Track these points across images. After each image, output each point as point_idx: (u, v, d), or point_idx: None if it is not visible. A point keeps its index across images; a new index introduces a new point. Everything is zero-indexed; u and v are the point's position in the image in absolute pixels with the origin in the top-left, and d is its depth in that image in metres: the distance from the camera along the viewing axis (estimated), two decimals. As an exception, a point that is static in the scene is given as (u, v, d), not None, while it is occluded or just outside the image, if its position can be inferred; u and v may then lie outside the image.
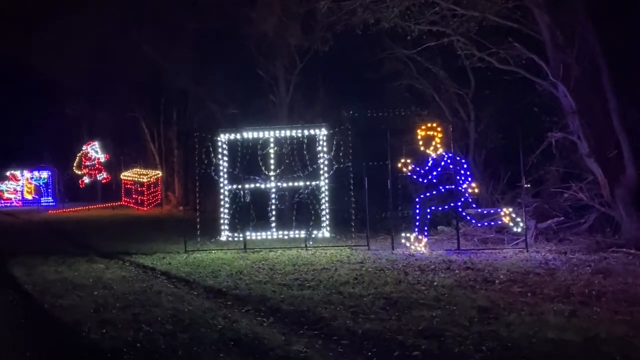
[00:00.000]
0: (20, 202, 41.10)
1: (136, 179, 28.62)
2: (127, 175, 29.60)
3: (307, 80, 17.37)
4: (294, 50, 16.32)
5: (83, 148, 32.52)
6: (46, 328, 5.63)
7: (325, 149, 11.59)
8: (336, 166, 11.44)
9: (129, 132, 33.27)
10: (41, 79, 30.93)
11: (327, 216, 12.09)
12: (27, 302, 6.68)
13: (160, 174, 29.74)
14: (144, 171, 29.54)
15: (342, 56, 16.61)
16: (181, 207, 28.46)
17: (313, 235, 11.93)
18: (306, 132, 11.49)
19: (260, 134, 11.57)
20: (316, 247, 11.36)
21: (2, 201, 42.71)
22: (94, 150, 31.39)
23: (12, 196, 42.64)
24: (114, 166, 33.20)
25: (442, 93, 16.83)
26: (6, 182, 43.04)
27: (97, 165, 32.51)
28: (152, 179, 28.90)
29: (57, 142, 40.91)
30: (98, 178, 32.95)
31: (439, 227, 13.27)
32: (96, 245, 12.99)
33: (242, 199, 11.57)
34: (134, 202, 28.86)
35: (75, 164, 32.35)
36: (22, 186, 41.50)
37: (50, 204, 38.16)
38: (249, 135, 11.37)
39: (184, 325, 5.55)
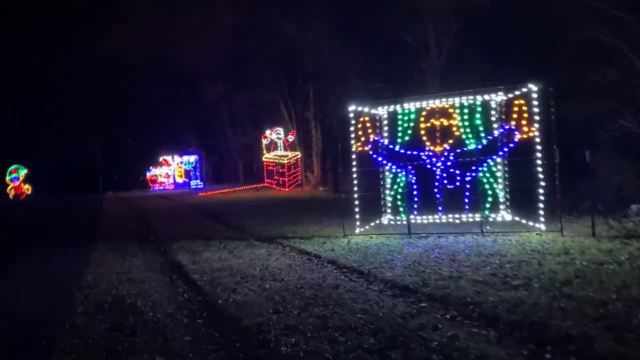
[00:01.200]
0: (172, 186, 44.52)
1: (277, 161, 28.88)
2: (268, 157, 30.03)
3: (463, 43, 15.38)
4: (448, 9, 14.46)
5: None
6: (228, 331, 4.87)
7: (503, 116, 9.76)
8: (518, 137, 9.54)
9: (267, 115, 33.84)
10: (183, 66, 32.52)
11: (507, 196, 10.27)
12: (199, 296, 6.07)
13: (300, 155, 29.68)
14: (284, 153, 29.72)
15: (503, 14, 14.38)
16: (320, 188, 28.20)
17: (490, 219, 10.23)
18: (480, 98, 9.71)
19: (424, 104, 10.07)
20: (494, 232, 9.66)
21: (157, 185, 46.67)
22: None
23: (165, 180, 46.37)
24: (254, 149, 34.03)
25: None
26: (159, 167, 46.86)
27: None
28: (292, 160, 28.94)
29: (200, 127, 43.50)
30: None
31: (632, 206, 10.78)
32: (251, 228, 12.66)
33: (404, 178, 10.23)
34: (275, 184, 29.22)
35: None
36: (174, 170, 44.88)
37: (199, 186, 40.69)
38: (410, 106, 9.94)
39: (386, 337, 4.39)
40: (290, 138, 30.36)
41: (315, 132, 29.57)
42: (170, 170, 45.29)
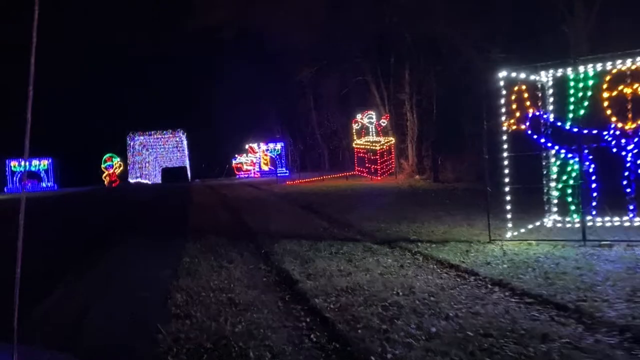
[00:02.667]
0: (258, 174, 43.85)
1: (369, 147, 26.72)
2: (359, 143, 27.94)
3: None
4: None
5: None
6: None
7: None
8: None
9: (356, 98, 31.74)
10: (269, 46, 31.03)
11: None
12: (335, 342, 4.10)
13: (393, 141, 27.31)
14: (376, 139, 27.48)
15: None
16: (417, 176, 25.73)
17: None
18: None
19: (609, 65, 7.38)
20: None
21: (242, 172, 46.22)
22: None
23: (250, 168, 45.79)
24: (340, 135, 32.06)
25: None
26: (245, 154, 46.34)
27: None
28: (384, 147, 26.66)
29: (285, 112, 42.27)
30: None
31: None
32: (357, 224, 10.65)
33: (578, 166, 7.68)
34: (366, 172, 27.12)
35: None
36: (259, 158, 44.16)
37: (285, 174, 39.62)
38: (588, 68, 7.31)
39: None
40: (383, 122, 28.01)
41: (411, 115, 27.04)
42: (256, 157, 44.60)
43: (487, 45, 14.85)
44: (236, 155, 47.43)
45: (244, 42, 34.47)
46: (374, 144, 26.54)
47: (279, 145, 42.42)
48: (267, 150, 43.35)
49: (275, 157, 42.80)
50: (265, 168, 43.50)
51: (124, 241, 10.09)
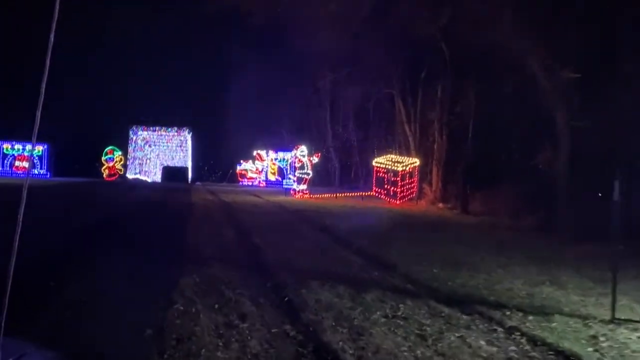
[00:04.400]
0: (264, 183, 41.47)
1: (390, 167, 24.40)
2: (379, 161, 25.61)
3: None
4: None
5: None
6: None
7: None
8: None
9: (378, 112, 29.53)
10: (290, 47, 28.82)
11: None
12: None
13: (418, 163, 24.99)
14: (399, 158, 25.19)
15: None
16: (440, 204, 23.37)
17: None
18: None
19: None
20: None
21: (246, 179, 43.85)
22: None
23: (255, 176, 43.40)
24: (361, 150, 29.77)
25: None
26: (251, 161, 43.98)
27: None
28: (407, 168, 24.34)
29: (298, 122, 39.93)
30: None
31: None
32: (404, 267, 8.25)
33: None
34: (385, 193, 24.76)
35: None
36: (267, 166, 41.82)
37: (291, 186, 37.32)
38: None
39: None
40: (314, 159, 26.17)
41: (439, 137, 24.74)
42: (263, 165, 42.28)
43: (556, 64, 12.55)
44: (241, 161, 45.15)
45: (266, 36, 32.25)
46: (396, 164, 24.23)
47: (289, 155, 40.11)
48: (275, 159, 41.08)
49: (285, 167, 40.49)
50: (272, 178, 41.19)
51: (96, 264, 7.65)
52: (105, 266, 7.27)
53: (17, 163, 42.29)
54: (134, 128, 48.68)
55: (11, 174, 40.75)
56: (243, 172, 44.40)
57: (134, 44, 44.15)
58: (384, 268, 8.19)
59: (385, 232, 13.21)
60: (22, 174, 41.00)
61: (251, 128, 41.85)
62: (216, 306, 5.34)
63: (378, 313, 5.47)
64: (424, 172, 25.74)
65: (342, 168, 36.62)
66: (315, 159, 27.71)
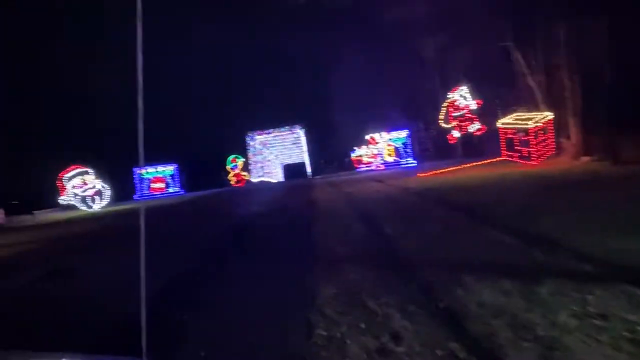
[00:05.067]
0: (382, 166, 40.61)
1: (519, 126, 22.03)
2: (506, 122, 23.30)
3: None
4: None
5: (449, 96, 27.62)
6: None
7: None
8: None
9: (496, 69, 26.93)
10: (388, 20, 27.32)
11: None
12: None
13: (551, 116, 22.28)
14: (527, 115, 22.68)
15: None
16: (583, 158, 20.60)
17: None
18: None
19: None
20: None
21: (362, 165, 43.30)
22: (462, 97, 25.93)
23: (371, 160, 42.70)
24: (485, 113, 27.49)
25: None
26: (364, 146, 43.37)
27: (467, 115, 27.24)
28: (539, 124, 21.79)
29: (407, 97, 38.23)
30: (470, 130, 27.74)
31: None
32: (567, 240, 6.84)
33: None
34: (517, 156, 22.46)
35: (441, 117, 27.74)
36: (382, 149, 40.90)
37: (412, 164, 35.93)
38: None
39: None
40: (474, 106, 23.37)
41: (570, 84, 21.79)
42: (377, 149, 41.39)
43: None
44: (354, 148, 44.72)
45: (364, 15, 31.05)
46: (525, 122, 21.81)
47: (403, 133, 38.68)
48: (390, 139, 39.91)
49: (401, 146, 39.14)
50: (389, 159, 40.13)
51: (224, 274, 7.38)
52: (236, 271, 6.91)
53: (152, 185, 46.30)
54: (250, 134, 50.63)
55: (150, 196, 44.76)
56: (358, 158, 43.95)
57: (231, 53, 45.76)
58: (545, 245, 6.84)
59: (529, 200, 11.58)
60: (160, 194, 44.80)
61: (360, 113, 41.11)
62: (362, 325, 4.57)
63: (564, 313, 4.31)
64: (558, 125, 22.92)
65: (463, 137, 34.25)
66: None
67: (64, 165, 40.47)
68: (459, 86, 26.62)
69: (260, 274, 7.15)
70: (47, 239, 17.84)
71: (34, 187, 41.75)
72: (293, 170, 48.75)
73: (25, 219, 35.95)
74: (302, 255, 8.22)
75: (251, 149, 51.81)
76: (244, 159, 51.47)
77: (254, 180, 50.51)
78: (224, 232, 13.06)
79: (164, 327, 5.09)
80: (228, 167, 51.52)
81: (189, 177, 48.60)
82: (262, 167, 52.17)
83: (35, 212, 40.83)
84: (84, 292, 7.75)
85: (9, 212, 37.64)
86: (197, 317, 5.47)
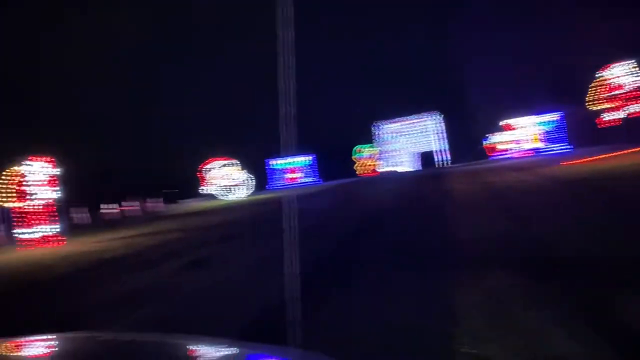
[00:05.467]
0: (523, 153, 37.56)
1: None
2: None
3: None
4: None
5: (603, 73, 24.07)
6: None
7: None
8: None
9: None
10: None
11: None
12: None
13: None
14: None
15: None
16: None
17: None
18: None
19: None
20: None
21: (497, 153, 40.54)
22: (627, 74, 22.26)
23: (508, 147, 39.83)
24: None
25: None
26: (500, 133, 40.67)
27: (625, 94, 23.64)
28: None
29: (556, 76, 34.39)
30: (623, 112, 24.09)
31: None
32: None
33: None
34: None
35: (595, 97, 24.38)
36: (526, 135, 38.07)
37: (565, 150, 32.44)
38: None
39: None
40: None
41: None
42: (515, 135, 38.45)
43: None
44: (487, 135, 42.12)
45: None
46: None
47: (553, 116, 34.95)
48: (534, 124, 36.66)
49: (550, 130, 35.59)
50: (534, 146, 37.03)
51: (351, 281, 6.84)
52: (361, 281, 6.37)
53: (288, 175, 48.20)
54: (376, 124, 50.33)
55: (284, 185, 46.80)
56: (492, 146, 41.37)
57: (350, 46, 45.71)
58: None
59: None
60: (294, 184, 46.54)
61: (497, 96, 38.33)
62: (516, 345, 3.74)
63: None
64: None
65: (629, 119, 29.80)
66: None
67: (205, 157, 43.96)
68: (619, 62, 22.95)
69: (399, 280, 6.56)
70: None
71: (180, 178, 46.01)
72: (422, 159, 47.58)
73: (175, 207, 39.75)
74: (441, 255, 7.42)
75: (379, 138, 51.37)
76: (371, 149, 51.34)
77: (382, 170, 50.04)
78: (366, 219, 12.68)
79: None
80: (356, 157, 51.84)
81: (324, 167, 50.20)
82: (390, 156, 51.46)
83: (179, 201, 44.98)
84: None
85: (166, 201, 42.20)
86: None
